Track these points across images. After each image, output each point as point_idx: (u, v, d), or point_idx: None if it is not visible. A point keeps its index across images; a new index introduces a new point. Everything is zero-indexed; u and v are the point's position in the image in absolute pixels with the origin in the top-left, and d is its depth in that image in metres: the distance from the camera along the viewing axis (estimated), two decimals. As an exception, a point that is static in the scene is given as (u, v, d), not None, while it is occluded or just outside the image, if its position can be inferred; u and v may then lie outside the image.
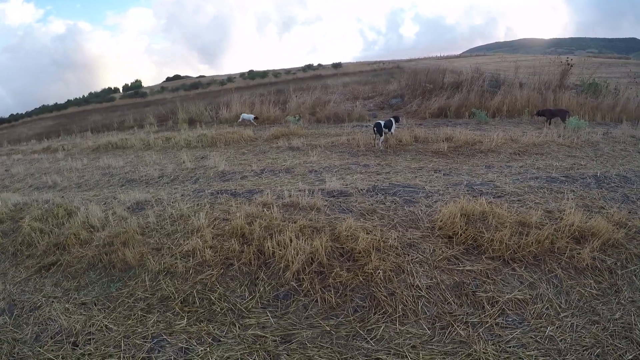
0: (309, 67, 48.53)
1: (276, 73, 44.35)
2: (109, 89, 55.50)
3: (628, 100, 12.29)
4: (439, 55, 53.59)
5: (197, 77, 55.65)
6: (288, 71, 45.77)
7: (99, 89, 54.63)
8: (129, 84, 54.35)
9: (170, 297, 3.36)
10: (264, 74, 44.42)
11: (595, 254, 3.62)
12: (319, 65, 49.90)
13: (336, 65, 45.79)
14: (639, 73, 25.62)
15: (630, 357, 2.67)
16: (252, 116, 12.52)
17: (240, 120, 12.59)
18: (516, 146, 7.20)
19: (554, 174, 5.61)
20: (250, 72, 48.51)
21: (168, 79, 60.74)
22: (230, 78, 44.76)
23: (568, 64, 13.96)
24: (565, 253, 3.62)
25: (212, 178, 6.23)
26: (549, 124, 9.61)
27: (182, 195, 5.31)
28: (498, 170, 5.90)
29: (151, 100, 32.49)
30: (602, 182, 5.27)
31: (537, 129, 9.15)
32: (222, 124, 12.85)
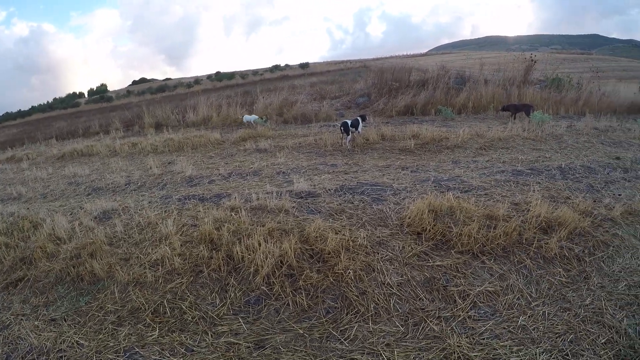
0: (277, 67, 49.68)
1: (243, 74, 45.37)
2: (74, 94, 55.78)
3: (590, 94, 13.05)
4: (405, 53, 55.20)
5: (163, 80, 56.55)
6: (255, 72, 46.86)
7: (64, 94, 55.12)
8: (95, 88, 55.04)
9: (141, 308, 3.31)
10: (231, 75, 45.46)
11: (562, 243, 3.83)
12: (287, 65, 51.27)
13: (303, 66, 46.85)
14: (601, 67, 27.19)
15: (603, 341, 2.83)
16: (255, 117, 12.20)
17: (245, 122, 12.29)
18: (482, 141, 7.51)
19: (519, 167, 5.89)
20: (217, 73, 49.61)
21: (134, 82, 61.64)
22: (197, 80, 45.62)
23: (532, 60, 14.69)
24: (533, 244, 3.81)
25: (179, 183, 6.21)
26: (514, 118, 10.07)
27: (149, 202, 5.26)
28: (465, 166, 6.12)
29: (117, 104, 32.69)
30: (567, 173, 5.57)
31: (503, 123, 9.55)
32: (189, 128, 12.89)
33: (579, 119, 10.17)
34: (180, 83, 45.22)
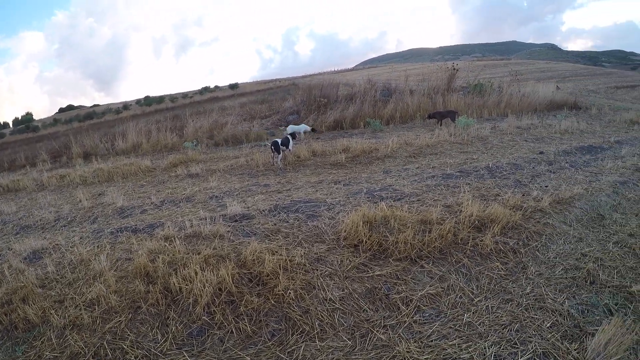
0: (206, 89, 50.31)
1: (173, 97, 45.25)
2: (-1, 124, 52.58)
3: (511, 96, 14.16)
4: (333, 69, 56.92)
5: (91, 107, 55.90)
6: (185, 95, 47.11)
7: (-13, 125, 51.90)
8: (20, 118, 53.86)
9: (81, 353, 3.13)
10: (160, 99, 45.52)
11: (497, 238, 4.11)
12: (216, 87, 52.09)
13: (233, 86, 47.68)
14: (520, 71, 29.51)
15: (548, 325, 3.07)
16: (305, 127, 11.18)
17: (289, 133, 11.47)
18: (411, 149, 7.91)
19: (449, 170, 6.26)
20: (147, 98, 49.27)
21: (61, 110, 60.02)
22: (126, 105, 45.34)
23: (454, 69, 15.86)
24: (468, 242, 4.05)
25: (110, 215, 5.99)
26: (440, 125, 10.73)
27: (80, 238, 5.04)
28: (396, 174, 6.41)
29: (44, 134, 31.50)
30: (494, 172, 5.98)
31: (430, 131, 10.10)
32: (118, 156, 12.51)
33: (502, 120, 10.99)
34: (108, 109, 44.67)
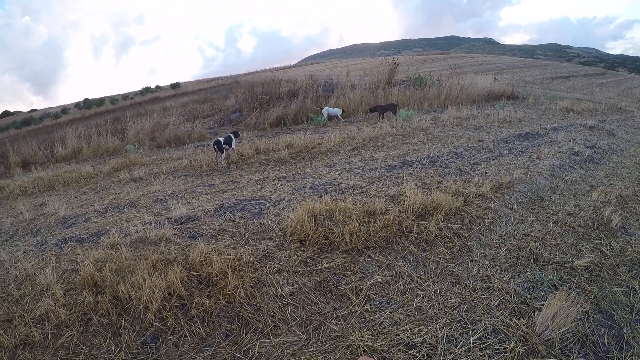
0: (147, 89, 49.28)
1: (113, 99, 44.29)
2: None
3: (451, 88, 14.76)
4: (276, 66, 56.80)
5: (28, 112, 53.86)
6: (126, 96, 45.77)
7: None
8: None
9: None
10: (100, 101, 44.43)
11: (441, 224, 4.29)
12: (157, 87, 51.08)
13: (175, 86, 46.97)
14: (459, 64, 30.71)
15: (496, 303, 3.25)
16: (339, 110, 12.27)
17: (325, 117, 12.09)
18: (354, 143, 8.10)
19: (391, 161, 6.46)
20: (86, 100, 47.85)
21: None
22: (64, 110, 44.14)
23: (395, 63, 16.33)
24: (413, 230, 4.20)
25: (54, 226, 5.74)
26: (382, 118, 11.04)
27: (24, 252, 4.80)
28: (339, 168, 6.54)
29: None
30: (436, 161, 6.23)
31: (372, 124, 10.35)
32: (59, 163, 12.04)
33: (443, 111, 11.44)
34: (46, 114, 42.93)
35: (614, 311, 3.25)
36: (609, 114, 13.46)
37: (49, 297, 3.66)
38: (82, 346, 3.19)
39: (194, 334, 3.18)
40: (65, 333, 3.30)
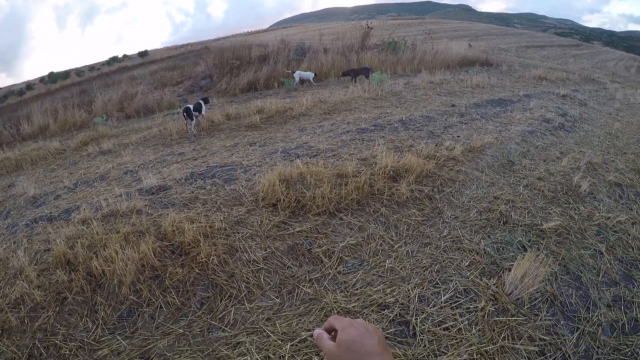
0: (114, 59, 47.39)
1: (79, 72, 42.22)
2: None
3: (425, 53, 14.76)
4: (247, 31, 55.68)
5: None
6: (92, 67, 44.05)
7: None
8: None
9: (15, 358, 2.95)
10: (65, 74, 42.29)
11: (412, 186, 4.32)
12: (125, 56, 48.93)
13: (142, 54, 45.46)
14: (433, 30, 30.61)
15: (466, 264, 3.32)
16: (310, 74, 12.34)
17: (297, 81, 11.96)
18: (325, 107, 8.07)
19: (363, 125, 6.46)
20: (51, 74, 45.50)
21: None
22: (29, 85, 42.13)
23: (368, 27, 16.18)
24: (385, 192, 4.22)
25: (23, 207, 5.59)
26: (355, 82, 11.02)
27: None
28: (311, 132, 6.50)
29: None
30: (408, 125, 6.25)
31: (344, 88, 10.31)
32: (25, 141, 11.71)
33: (416, 76, 11.46)
34: (10, 92, 40.89)
35: (581, 273, 3.36)
36: (581, 85, 13.69)
37: (22, 280, 3.59)
38: (59, 326, 3.15)
39: (169, 304, 3.16)
40: (41, 315, 3.26)
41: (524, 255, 3.20)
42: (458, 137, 5.86)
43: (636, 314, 3.03)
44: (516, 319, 2.80)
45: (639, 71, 29.39)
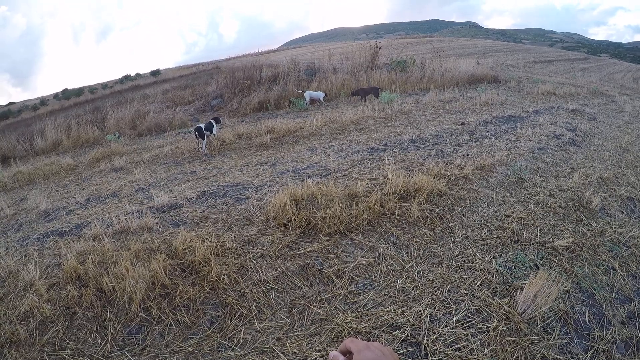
0: (127, 78, 48.76)
1: (92, 89, 43.41)
2: None
3: (433, 71, 14.83)
4: (258, 51, 56.41)
5: (6, 105, 52.15)
6: (105, 85, 45.45)
7: None
8: None
9: None
10: (79, 91, 43.81)
11: (423, 206, 4.31)
12: (137, 75, 50.42)
13: (155, 73, 46.61)
14: (442, 48, 30.80)
15: (478, 283, 3.29)
16: (321, 93, 12.59)
17: (307, 100, 12.18)
18: (336, 126, 8.13)
19: (373, 144, 6.49)
20: (65, 91, 47.13)
21: None
22: (43, 101, 43.51)
23: (377, 47, 16.37)
24: (395, 212, 4.22)
25: (35, 221, 5.66)
26: (364, 101, 11.11)
27: (6, 249, 4.71)
28: (322, 152, 6.54)
29: None
30: (418, 144, 6.26)
31: (354, 107, 10.40)
32: (39, 156, 11.95)
33: (425, 95, 11.52)
34: (24, 106, 42.16)
35: (595, 290, 3.32)
36: (590, 98, 13.65)
37: (32, 293, 3.62)
38: (67, 341, 3.16)
39: (179, 322, 3.16)
40: (50, 329, 3.27)
41: (536, 273, 3.18)
42: (468, 155, 5.86)
43: (652, 331, 2.99)
44: (529, 339, 2.77)
45: (646, 82, 29.27)
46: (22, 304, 3.55)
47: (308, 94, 12.18)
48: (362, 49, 16.80)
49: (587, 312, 3.09)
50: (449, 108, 9.33)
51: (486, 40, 65.57)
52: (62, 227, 5.03)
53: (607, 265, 3.65)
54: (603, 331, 2.93)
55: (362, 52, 16.46)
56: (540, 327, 2.87)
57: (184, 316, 3.19)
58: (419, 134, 6.81)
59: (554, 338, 2.80)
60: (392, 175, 4.76)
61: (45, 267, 4.04)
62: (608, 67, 35.98)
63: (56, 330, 3.24)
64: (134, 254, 3.83)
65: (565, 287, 3.26)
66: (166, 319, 3.19)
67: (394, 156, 5.80)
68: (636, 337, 2.92)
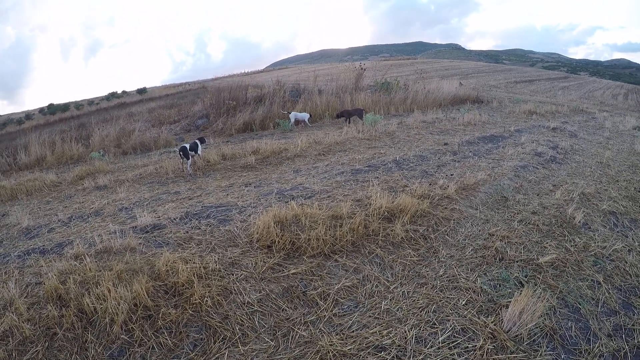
0: (113, 95, 48.73)
1: (78, 105, 43.32)
2: None
3: (417, 93, 15.05)
4: (244, 71, 56.66)
5: None
6: (91, 102, 45.34)
7: None
8: None
9: None
10: (65, 107, 43.63)
11: (407, 227, 4.33)
12: (124, 92, 50.41)
13: (141, 91, 46.67)
14: (425, 69, 31.26)
15: (463, 302, 3.30)
16: (306, 115, 12.66)
17: (292, 122, 12.20)
18: (320, 148, 8.18)
19: (357, 166, 6.54)
20: (50, 106, 46.79)
21: None
22: (28, 115, 43.28)
23: (362, 69, 16.60)
24: (380, 233, 4.23)
25: (16, 237, 5.55)
26: (349, 123, 11.21)
27: None
28: (306, 173, 6.57)
29: None
30: (402, 165, 6.32)
31: (339, 129, 10.49)
32: (22, 171, 11.79)
33: (409, 116, 11.67)
34: (9, 120, 41.79)
35: (580, 305, 3.35)
36: (571, 116, 13.95)
37: (12, 312, 3.54)
38: None
39: (162, 345, 3.11)
40: (30, 349, 3.20)
41: (521, 291, 3.20)
42: (451, 175, 5.91)
43: (638, 341, 3.02)
44: (516, 356, 2.78)
45: (625, 98, 30.02)
46: (2, 323, 3.47)
47: (293, 115, 12.26)
48: (347, 70, 17.00)
49: (573, 326, 3.10)
50: (432, 129, 9.46)
51: (468, 61, 66.80)
52: (43, 245, 4.96)
53: (592, 280, 3.69)
54: (590, 345, 2.95)
55: (346, 74, 16.64)
56: (526, 344, 2.88)
57: (166, 339, 3.14)
58: (403, 154, 6.87)
59: (540, 354, 2.81)
60: (376, 197, 4.77)
61: (25, 286, 3.97)
62: (588, 85, 36.84)
63: (36, 351, 3.17)
64: (116, 274, 3.78)
65: (551, 303, 3.28)
66: (148, 341, 3.14)
67: (377, 177, 5.83)
68: (623, 349, 2.94)
